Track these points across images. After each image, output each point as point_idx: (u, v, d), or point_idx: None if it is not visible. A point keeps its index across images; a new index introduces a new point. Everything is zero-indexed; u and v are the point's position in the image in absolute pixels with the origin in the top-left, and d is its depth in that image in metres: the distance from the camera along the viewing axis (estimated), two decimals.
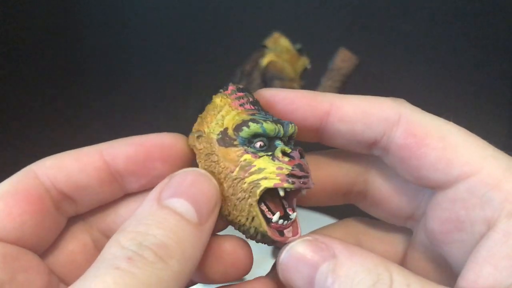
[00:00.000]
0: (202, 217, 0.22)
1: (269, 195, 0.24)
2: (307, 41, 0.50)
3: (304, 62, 0.49)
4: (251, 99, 0.25)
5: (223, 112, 0.25)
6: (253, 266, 0.25)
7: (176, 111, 0.61)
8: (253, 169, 0.23)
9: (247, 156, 0.23)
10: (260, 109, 0.25)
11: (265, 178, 0.23)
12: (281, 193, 0.23)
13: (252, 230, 0.24)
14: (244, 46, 0.49)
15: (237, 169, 0.23)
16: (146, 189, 0.25)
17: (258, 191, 0.23)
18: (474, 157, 0.23)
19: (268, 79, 0.48)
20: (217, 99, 0.25)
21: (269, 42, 0.49)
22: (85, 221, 0.26)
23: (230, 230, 0.25)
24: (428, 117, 0.25)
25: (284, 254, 0.23)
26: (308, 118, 0.26)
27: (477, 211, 0.23)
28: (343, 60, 0.48)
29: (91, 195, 0.25)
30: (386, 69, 0.63)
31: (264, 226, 0.23)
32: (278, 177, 0.23)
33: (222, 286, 0.25)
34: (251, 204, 0.23)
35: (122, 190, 0.25)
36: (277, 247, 0.24)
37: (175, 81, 0.67)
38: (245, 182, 0.23)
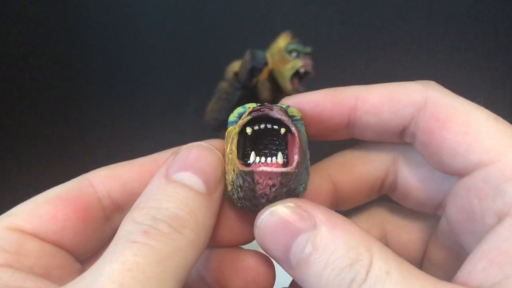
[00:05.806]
0: (210, 188, 0.22)
1: (269, 151, 0.24)
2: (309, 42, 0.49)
3: (294, 65, 0.43)
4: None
5: None
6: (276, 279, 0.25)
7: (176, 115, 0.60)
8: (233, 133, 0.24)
9: (231, 128, 0.24)
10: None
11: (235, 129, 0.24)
12: (248, 130, 0.23)
13: (240, 181, 0.23)
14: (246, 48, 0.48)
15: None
16: None
17: (235, 141, 0.23)
18: (496, 145, 0.22)
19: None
20: None
21: (273, 42, 0.47)
22: None
23: (253, 245, 0.24)
24: (456, 100, 0.23)
25: (263, 217, 0.22)
26: (335, 117, 0.25)
27: (489, 202, 0.21)
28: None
29: None
30: (385, 68, 0.63)
31: (237, 163, 0.23)
32: (240, 121, 0.23)
33: None
34: (231, 153, 0.23)
35: None
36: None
37: (177, 86, 0.66)
38: (228, 144, 0.24)
